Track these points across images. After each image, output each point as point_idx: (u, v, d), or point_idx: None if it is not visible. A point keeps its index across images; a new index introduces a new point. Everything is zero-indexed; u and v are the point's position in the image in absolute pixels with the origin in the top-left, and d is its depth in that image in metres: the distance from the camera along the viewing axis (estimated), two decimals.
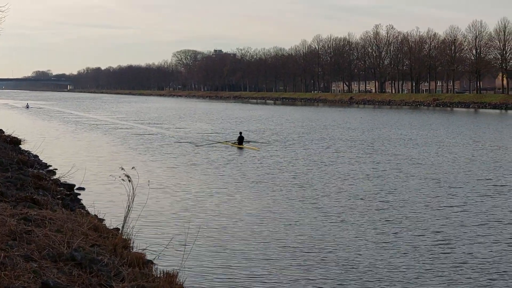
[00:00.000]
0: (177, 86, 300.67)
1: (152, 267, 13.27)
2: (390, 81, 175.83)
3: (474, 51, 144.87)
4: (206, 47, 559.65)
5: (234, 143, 44.61)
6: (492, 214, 21.33)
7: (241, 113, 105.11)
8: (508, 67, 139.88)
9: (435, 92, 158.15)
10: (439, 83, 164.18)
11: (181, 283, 12.32)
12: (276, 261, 15.46)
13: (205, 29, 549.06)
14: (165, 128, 67.54)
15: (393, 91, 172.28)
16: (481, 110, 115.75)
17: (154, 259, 13.99)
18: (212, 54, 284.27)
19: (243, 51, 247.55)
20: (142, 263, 13.20)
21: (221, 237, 18.02)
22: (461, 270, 15.02)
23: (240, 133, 46.68)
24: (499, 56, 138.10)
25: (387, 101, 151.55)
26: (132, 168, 15.69)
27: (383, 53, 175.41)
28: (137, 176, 15.92)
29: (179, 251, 14.62)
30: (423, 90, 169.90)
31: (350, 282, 14.07)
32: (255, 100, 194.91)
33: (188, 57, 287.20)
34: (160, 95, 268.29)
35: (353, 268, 15.03)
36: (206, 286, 13.84)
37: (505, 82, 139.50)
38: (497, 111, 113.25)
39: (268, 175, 30.92)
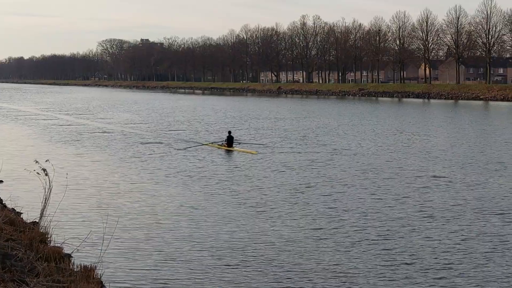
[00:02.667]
0: (103, 76, 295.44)
1: (69, 262, 12.81)
2: (317, 71, 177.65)
3: (398, 42, 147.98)
4: (132, 36, 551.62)
5: (222, 145, 37.84)
6: (424, 204, 21.68)
7: (170, 103, 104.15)
8: (431, 57, 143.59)
9: (361, 82, 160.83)
10: (364, 73, 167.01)
11: (99, 277, 11.96)
12: (194, 257, 15.22)
13: (131, 18, 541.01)
14: (89, 119, 66.15)
15: (320, 81, 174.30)
16: (405, 100, 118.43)
17: (72, 253, 13.53)
18: (139, 44, 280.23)
19: (170, 41, 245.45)
20: (59, 257, 12.75)
21: (140, 231, 17.69)
22: (396, 261, 15.17)
23: (229, 132, 38.47)
24: (422, 47, 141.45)
25: (315, 91, 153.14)
26: (46, 161, 15.10)
27: (310, 43, 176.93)
28: (56, 169, 15.37)
29: (97, 245, 14.20)
30: (349, 80, 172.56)
31: (263, 276, 13.96)
32: (183, 90, 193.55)
33: (114, 46, 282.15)
34: (86, 85, 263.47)
35: (273, 263, 14.91)
36: (124, 279, 13.57)
37: (427, 72, 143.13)
38: (420, 100, 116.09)
39: (193, 170, 30.64)
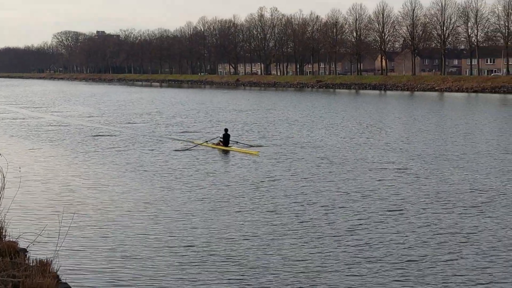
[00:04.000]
0: (58, 69, 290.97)
1: (24, 256, 12.55)
2: (275, 63, 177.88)
3: (354, 34, 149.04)
4: (88, 28, 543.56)
5: (218, 144, 34.42)
6: (387, 197, 21.83)
7: (127, 96, 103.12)
8: (387, 49, 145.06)
9: (319, 74, 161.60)
10: (322, 65, 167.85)
11: (55, 271, 11.73)
12: (149, 252, 15.04)
13: (87, 10, 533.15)
14: (45, 112, 65.09)
15: (279, 73, 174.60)
16: (362, 91, 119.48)
17: (27, 247, 13.25)
18: (94, 36, 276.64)
19: (126, 33, 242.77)
20: (14, 252, 12.49)
21: (96, 226, 17.46)
22: (362, 253, 15.23)
23: (226, 130, 34.97)
24: (378, 39, 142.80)
25: (273, 83, 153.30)
26: None
27: (268, 35, 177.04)
28: (10, 164, 15.01)
29: (53, 240, 13.94)
30: (307, 72, 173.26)
31: (223, 274, 13.89)
32: (140, 83, 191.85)
33: (69, 38, 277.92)
34: (41, 78, 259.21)
35: (235, 260, 14.84)
36: (80, 273, 13.40)
37: (384, 63, 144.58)
38: (377, 92, 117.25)
39: (152, 164, 30.41)
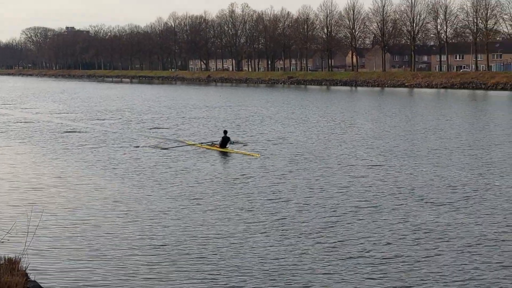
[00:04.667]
0: (27, 65, 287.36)
1: None
2: (246, 59, 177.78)
3: (325, 30, 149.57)
4: (57, 24, 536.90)
5: (212, 145, 32.62)
6: (361, 193, 21.88)
7: (98, 92, 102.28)
8: (357, 45, 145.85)
9: (290, 70, 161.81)
10: (293, 61, 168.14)
11: (24, 270, 11.53)
12: (120, 249, 14.90)
13: (56, 6, 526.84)
14: (14, 109, 64.21)
15: (250, 69, 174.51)
16: (333, 87, 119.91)
17: None
18: (64, 31, 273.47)
19: (96, 28, 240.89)
20: None
21: (66, 224, 17.24)
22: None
23: (225, 132, 32.93)
24: (349, 35, 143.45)
25: (244, 79, 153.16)
26: None
27: (239, 31, 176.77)
28: None
29: (22, 238, 13.71)
30: (278, 68, 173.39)
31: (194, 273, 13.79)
32: (110, 79, 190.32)
33: (38, 34, 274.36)
34: (9, 74, 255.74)
35: (210, 259, 14.77)
36: (49, 272, 13.19)
37: (354, 60, 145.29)
38: (348, 88, 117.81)
39: (124, 162, 30.16)
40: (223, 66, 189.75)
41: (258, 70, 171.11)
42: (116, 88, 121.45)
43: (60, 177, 24.59)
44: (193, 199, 20.19)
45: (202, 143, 33.43)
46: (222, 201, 19.87)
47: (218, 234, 16.09)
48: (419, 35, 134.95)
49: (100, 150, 32.34)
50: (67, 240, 15.54)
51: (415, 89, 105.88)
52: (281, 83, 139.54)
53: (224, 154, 30.23)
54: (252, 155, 29.27)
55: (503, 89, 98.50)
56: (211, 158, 29.12)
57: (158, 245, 15.11)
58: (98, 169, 26.31)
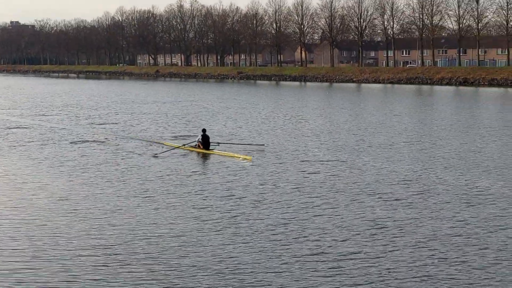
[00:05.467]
0: None
1: None
2: (195, 54, 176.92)
3: (274, 25, 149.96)
4: (1, 18, 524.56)
5: (196, 146, 29.95)
6: (312, 190, 21.91)
7: (44, 88, 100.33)
8: (306, 40, 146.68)
9: (239, 65, 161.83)
10: (243, 56, 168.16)
11: None
12: (65, 250, 14.64)
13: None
14: None
15: (199, 64, 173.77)
16: (283, 83, 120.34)
17: None
18: (8, 26, 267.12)
19: (42, 23, 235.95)
20: None
21: (9, 222, 16.93)
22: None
23: (204, 130, 30.43)
24: (298, 30, 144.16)
25: (193, 74, 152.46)
26: None
27: (188, 26, 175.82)
28: None
29: None
30: (228, 63, 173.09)
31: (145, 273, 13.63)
32: (56, 74, 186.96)
33: None
34: None
35: (159, 259, 14.58)
36: None
37: (303, 55, 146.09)
38: (297, 83, 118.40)
39: (71, 160, 29.61)
40: (171, 61, 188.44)
41: (207, 65, 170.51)
42: (63, 84, 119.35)
43: (4, 175, 23.98)
44: (144, 197, 19.94)
45: (184, 144, 30.56)
46: (174, 199, 19.67)
47: (169, 233, 15.89)
48: (367, 31, 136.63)
49: (46, 147, 31.67)
50: (10, 241, 15.16)
51: (363, 85, 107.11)
52: (230, 78, 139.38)
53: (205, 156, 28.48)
54: (246, 158, 26.77)
55: (448, 84, 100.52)
56: (161, 156, 28.82)
57: (106, 245, 14.81)
58: (44, 167, 25.75)
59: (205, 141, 29.51)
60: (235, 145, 30.68)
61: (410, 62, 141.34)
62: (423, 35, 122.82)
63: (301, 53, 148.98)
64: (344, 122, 42.90)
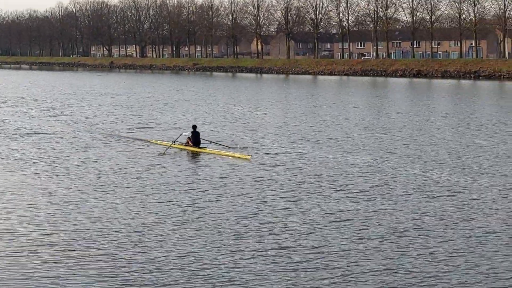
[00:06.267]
0: None
1: None
2: (151, 46, 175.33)
3: (230, 17, 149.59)
4: None
5: (186, 144, 27.84)
6: (269, 181, 21.91)
7: None
8: (262, 32, 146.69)
9: (195, 57, 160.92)
10: (198, 48, 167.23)
11: None
12: (16, 246, 14.47)
13: None
14: None
15: (154, 56, 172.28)
16: (239, 74, 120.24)
17: None
18: None
19: None
20: None
21: None
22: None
23: (194, 127, 28.43)
24: (254, 22, 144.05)
25: (149, 65, 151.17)
26: None
27: (143, 17, 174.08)
28: None
29: None
30: (183, 55, 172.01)
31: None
32: (8, 65, 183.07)
33: None
34: None
35: (120, 258, 14.44)
36: None
37: (259, 47, 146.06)
38: (253, 75, 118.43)
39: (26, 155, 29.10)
40: (126, 53, 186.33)
41: (162, 57, 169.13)
42: (15, 75, 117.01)
43: None
44: (102, 191, 19.72)
45: (174, 142, 28.08)
46: (133, 193, 19.50)
47: (128, 228, 15.75)
48: (322, 23, 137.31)
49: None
50: None
51: (319, 76, 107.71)
52: (186, 70, 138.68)
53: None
54: (244, 158, 25.08)
55: (402, 76, 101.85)
56: (113, 145, 28.51)
57: (62, 241, 14.59)
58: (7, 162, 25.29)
59: (196, 139, 27.58)
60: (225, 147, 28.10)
61: (365, 54, 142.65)
62: (378, 28, 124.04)
63: (257, 44, 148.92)
64: (301, 115, 43.08)
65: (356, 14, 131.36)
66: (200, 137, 27.94)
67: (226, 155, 25.87)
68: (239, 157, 25.21)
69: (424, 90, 71.80)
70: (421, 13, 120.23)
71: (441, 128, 34.85)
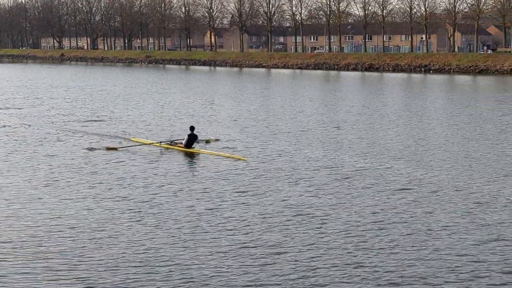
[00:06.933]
0: None
1: None
2: (102, 38, 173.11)
3: (183, 9, 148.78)
4: None
5: (173, 144, 26.15)
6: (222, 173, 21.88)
7: None
8: (215, 25, 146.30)
9: (148, 49, 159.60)
10: (151, 40, 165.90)
11: None
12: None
13: None
14: None
15: (106, 48, 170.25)
16: (192, 67, 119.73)
17: None
18: None
19: None
20: None
21: None
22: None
23: (192, 128, 26.32)
24: (207, 14, 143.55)
25: (100, 58, 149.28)
26: None
27: (94, 8, 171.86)
28: None
29: None
30: (136, 47, 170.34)
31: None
32: None
33: None
34: None
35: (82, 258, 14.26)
36: None
37: (213, 40, 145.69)
38: (207, 68, 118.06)
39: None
40: (77, 45, 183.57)
41: (114, 49, 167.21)
42: None
43: None
44: (53, 187, 19.44)
45: (161, 142, 26.52)
46: (83, 190, 19.30)
47: (79, 226, 15.59)
48: (275, 16, 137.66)
49: None
50: None
51: (273, 70, 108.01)
52: (138, 62, 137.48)
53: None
54: (241, 159, 23.55)
55: (354, 69, 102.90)
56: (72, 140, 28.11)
57: (13, 239, 14.41)
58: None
59: (189, 141, 25.51)
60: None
61: (318, 48, 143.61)
62: (330, 21, 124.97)
63: (210, 37, 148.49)
64: (256, 108, 43.11)
65: (309, 7, 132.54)
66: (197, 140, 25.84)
67: (219, 155, 24.27)
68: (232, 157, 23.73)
69: (376, 84, 72.70)
70: (373, 7, 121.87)
71: (394, 122, 35.34)
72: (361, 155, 24.40)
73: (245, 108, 43.03)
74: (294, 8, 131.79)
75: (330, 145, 26.95)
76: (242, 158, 23.68)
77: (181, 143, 25.65)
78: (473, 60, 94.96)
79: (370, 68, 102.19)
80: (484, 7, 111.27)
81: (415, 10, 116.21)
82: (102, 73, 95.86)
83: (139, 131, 30.87)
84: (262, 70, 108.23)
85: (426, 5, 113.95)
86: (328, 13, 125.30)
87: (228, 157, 23.92)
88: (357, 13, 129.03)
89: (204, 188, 18.86)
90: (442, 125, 33.99)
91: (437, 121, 35.76)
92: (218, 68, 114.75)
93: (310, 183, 19.61)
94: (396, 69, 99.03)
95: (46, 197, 17.83)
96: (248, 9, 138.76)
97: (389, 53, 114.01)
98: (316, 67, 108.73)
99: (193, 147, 25.56)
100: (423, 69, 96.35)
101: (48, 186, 19.20)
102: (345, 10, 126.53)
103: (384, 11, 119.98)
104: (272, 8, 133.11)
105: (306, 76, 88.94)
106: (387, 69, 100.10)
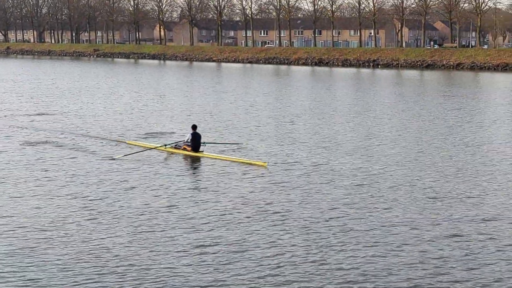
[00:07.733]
0: None
1: None
2: (49, 31, 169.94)
3: (132, 2, 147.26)
4: None
5: (181, 149, 23.85)
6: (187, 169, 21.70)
7: None
8: (165, 18, 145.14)
9: (96, 43, 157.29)
10: (99, 34, 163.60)
11: None
12: None
13: None
14: None
15: (53, 41, 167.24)
16: (142, 61, 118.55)
17: None
18: None
19: None
20: None
21: None
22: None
23: (194, 127, 24.15)
24: (156, 8, 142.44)
25: (47, 51, 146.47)
26: None
27: (41, 1, 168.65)
28: None
29: None
30: (83, 40, 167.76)
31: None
32: None
33: None
34: None
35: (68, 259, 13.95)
36: None
37: (162, 33, 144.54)
38: (156, 61, 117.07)
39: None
40: (23, 38, 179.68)
41: (61, 42, 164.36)
42: None
43: None
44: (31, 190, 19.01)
45: (166, 145, 24.42)
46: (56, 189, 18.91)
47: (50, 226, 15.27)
48: (225, 10, 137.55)
49: None
50: None
51: (223, 64, 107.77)
52: (86, 56, 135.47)
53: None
54: (260, 165, 21.48)
55: (304, 64, 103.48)
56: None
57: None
58: None
59: (196, 142, 23.61)
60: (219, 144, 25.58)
61: (268, 42, 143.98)
62: (280, 16, 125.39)
63: (160, 31, 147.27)
64: (208, 103, 42.92)
65: (259, 2, 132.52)
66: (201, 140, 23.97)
67: (223, 159, 22.55)
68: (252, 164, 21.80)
69: (326, 79, 73.27)
70: (322, 2, 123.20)
71: (345, 116, 35.66)
72: (315, 150, 24.48)
73: (196, 102, 42.79)
74: (244, 2, 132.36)
75: (279, 140, 26.95)
76: (263, 164, 21.42)
77: (186, 144, 23.70)
78: (420, 55, 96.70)
79: (320, 62, 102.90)
80: (431, 2, 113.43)
81: (363, 5, 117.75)
82: (49, 67, 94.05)
83: (91, 127, 30.38)
84: (213, 64, 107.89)
85: (375, 1, 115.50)
86: (278, 7, 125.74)
87: (247, 163, 21.87)
88: (307, 8, 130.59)
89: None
90: (392, 120, 34.45)
91: (387, 115, 36.23)
92: (167, 62, 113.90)
93: (268, 180, 19.59)
94: (345, 63, 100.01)
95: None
96: (198, 3, 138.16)
97: (338, 48, 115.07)
98: (267, 61, 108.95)
99: (201, 151, 23.50)
100: (371, 64, 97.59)
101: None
102: (294, 4, 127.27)
103: (334, 6, 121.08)
104: (222, 2, 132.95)
105: (257, 71, 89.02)
106: (336, 63, 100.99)
